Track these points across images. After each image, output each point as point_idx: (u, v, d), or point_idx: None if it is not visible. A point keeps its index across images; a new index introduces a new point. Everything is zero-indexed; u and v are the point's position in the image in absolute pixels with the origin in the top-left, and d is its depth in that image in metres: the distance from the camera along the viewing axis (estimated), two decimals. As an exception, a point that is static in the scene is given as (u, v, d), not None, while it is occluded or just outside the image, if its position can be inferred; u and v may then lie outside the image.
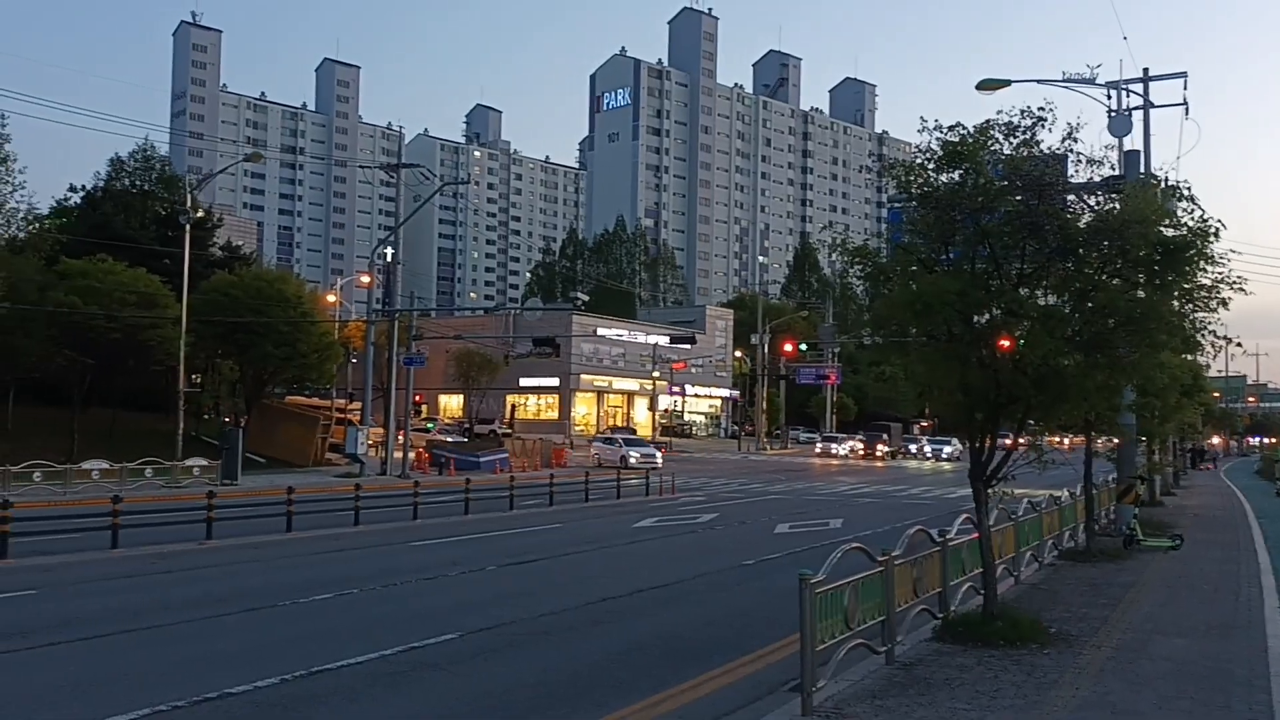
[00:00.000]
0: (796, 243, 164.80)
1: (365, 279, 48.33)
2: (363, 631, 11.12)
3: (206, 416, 49.55)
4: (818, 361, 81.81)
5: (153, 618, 11.70)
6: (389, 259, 45.29)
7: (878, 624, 9.03)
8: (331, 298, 60.28)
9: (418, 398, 68.11)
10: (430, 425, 63.24)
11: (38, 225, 46.89)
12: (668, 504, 30.07)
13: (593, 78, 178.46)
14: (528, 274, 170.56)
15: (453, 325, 72.61)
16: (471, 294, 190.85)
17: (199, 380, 46.76)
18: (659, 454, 50.13)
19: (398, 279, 45.15)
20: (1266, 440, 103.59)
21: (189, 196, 41.51)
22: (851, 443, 73.83)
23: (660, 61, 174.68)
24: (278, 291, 43.65)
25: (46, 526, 17.86)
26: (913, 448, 73.76)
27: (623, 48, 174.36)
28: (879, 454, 71.42)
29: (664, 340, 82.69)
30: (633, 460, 47.36)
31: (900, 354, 11.63)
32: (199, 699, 8.21)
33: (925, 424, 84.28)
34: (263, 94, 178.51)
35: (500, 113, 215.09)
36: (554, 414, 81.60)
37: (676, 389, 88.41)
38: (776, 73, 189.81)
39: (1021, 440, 11.35)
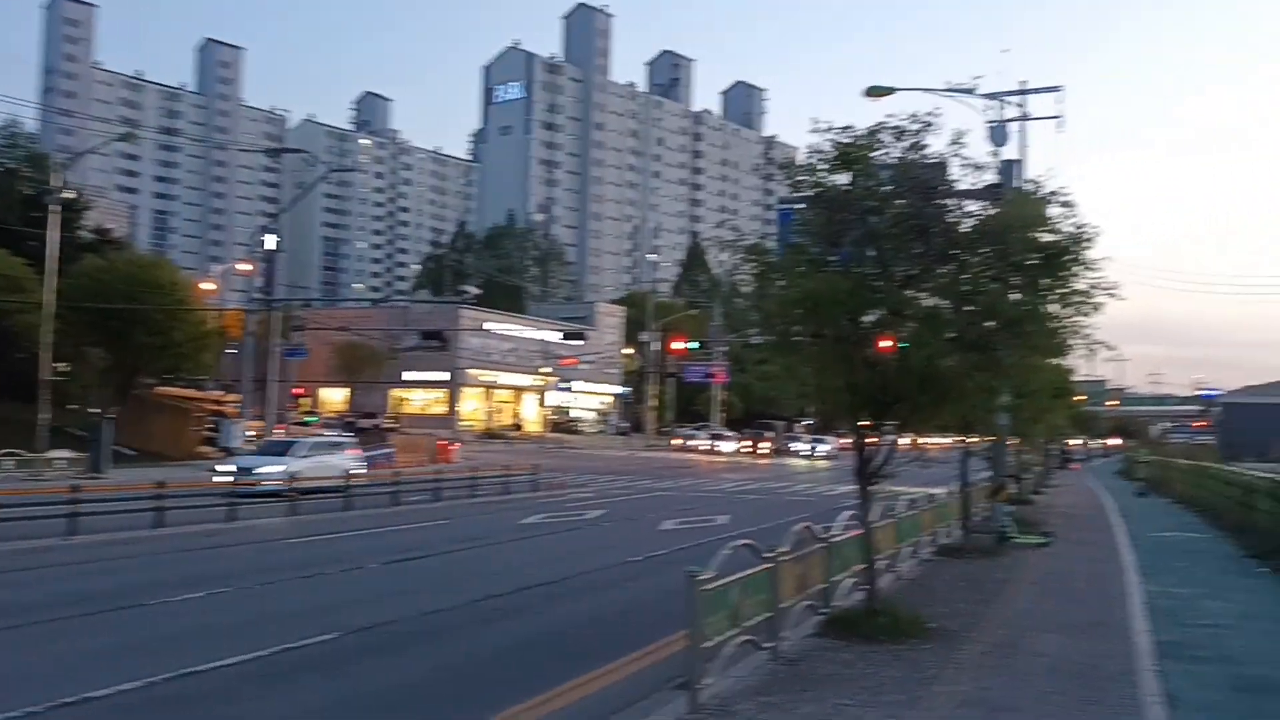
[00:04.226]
0: (687, 242, 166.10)
1: (245, 267, 46.82)
2: (237, 631, 10.70)
3: (74, 407, 47.28)
4: (706, 360, 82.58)
5: (9, 618, 11.03)
6: (270, 247, 43.88)
7: (764, 620, 9.07)
8: (209, 285, 58.21)
9: (299, 391, 66.42)
10: (311, 419, 61.64)
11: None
12: (555, 500, 29.90)
13: (486, 69, 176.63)
14: (416, 266, 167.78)
15: (337, 317, 70.80)
16: (357, 285, 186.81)
17: (66, 369, 44.57)
18: None
19: (279, 268, 43.83)
20: (1124, 441, 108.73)
21: (57, 176, 39.51)
22: (737, 441, 74.81)
23: (554, 56, 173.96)
24: (152, 278, 41.91)
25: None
26: (795, 446, 75.09)
27: (517, 41, 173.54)
28: (763, 451, 72.54)
29: (555, 336, 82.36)
30: None
31: (786, 353, 11.73)
32: (55, 704, 7.75)
33: (807, 423, 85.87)
34: (139, 72, 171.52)
35: (390, 101, 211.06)
36: (442, 409, 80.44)
37: (566, 385, 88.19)
38: (669, 73, 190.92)
39: (903, 439, 11.57)
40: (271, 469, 26.84)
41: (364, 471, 30.31)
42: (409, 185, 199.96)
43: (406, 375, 79.93)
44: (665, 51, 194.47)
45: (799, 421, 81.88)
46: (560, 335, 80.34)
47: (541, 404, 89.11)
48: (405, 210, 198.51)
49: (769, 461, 64.89)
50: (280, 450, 29.71)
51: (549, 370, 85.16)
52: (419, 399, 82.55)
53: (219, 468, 28.33)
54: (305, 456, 28.68)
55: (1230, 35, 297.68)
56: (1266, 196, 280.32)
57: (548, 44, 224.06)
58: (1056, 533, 21.74)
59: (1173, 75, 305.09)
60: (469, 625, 11.50)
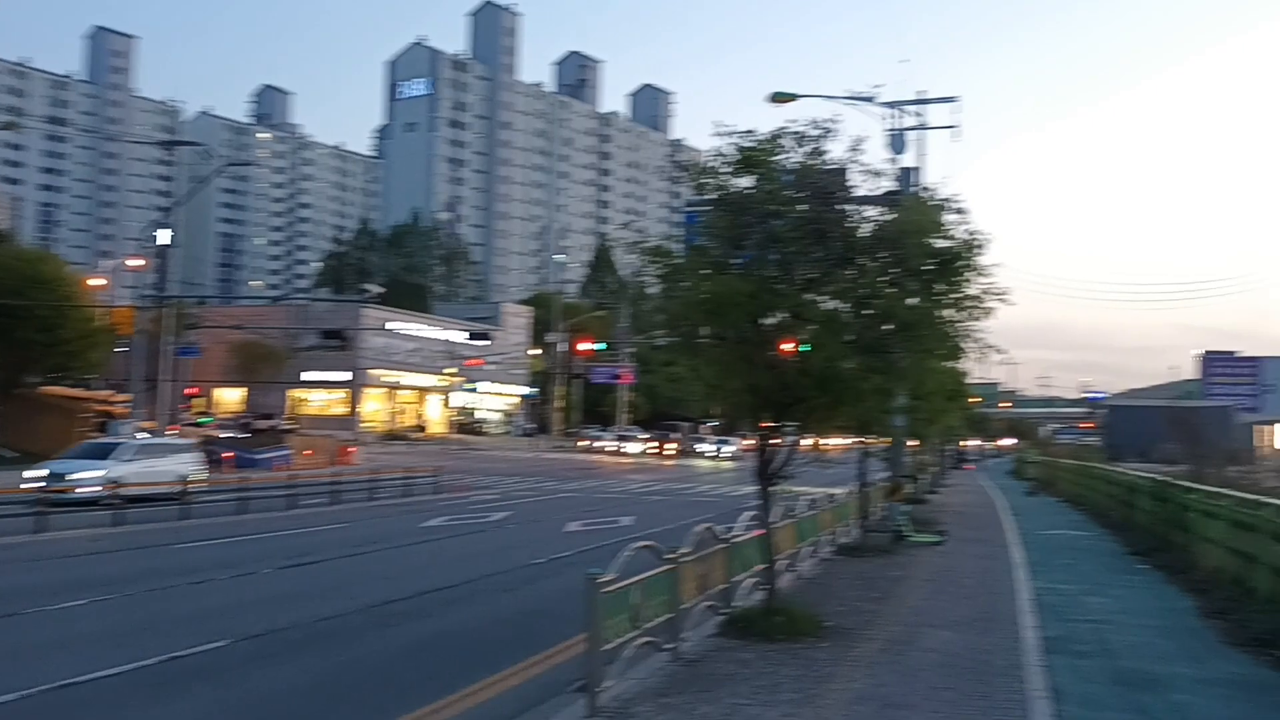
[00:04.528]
0: (594, 243, 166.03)
1: (136, 262, 45.22)
2: (122, 638, 10.32)
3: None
4: (613, 361, 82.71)
5: None
6: (163, 242, 42.44)
7: (665, 621, 9.09)
8: (99, 281, 56.08)
9: (192, 390, 64.41)
10: (206, 420, 59.86)
11: None
12: (458, 503, 29.58)
13: (391, 65, 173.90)
14: (317, 264, 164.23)
15: (233, 315, 68.94)
16: (254, 283, 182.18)
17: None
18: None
19: (173, 264, 42.45)
20: (1016, 442, 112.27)
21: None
22: (643, 442, 75.10)
23: (461, 54, 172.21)
24: (37, 272, 40.25)
25: None
26: (700, 447, 75.68)
27: (422, 36, 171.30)
28: (669, 452, 72.93)
29: (460, 336, 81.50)
30: None
31: (691, 354, 11.81)
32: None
33: (712, 424, 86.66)
34: (25, 59, 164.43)
35: (290, 94, 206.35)
36: (343, 410, 78.93)
37: (471, 386, 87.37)
38: (577, 73, 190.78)
39: (803, 440, 11.73)
40: (88, 474, 24.28)
41: (205, 477, 27.96)
42: (310, 181, 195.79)
43: (306, 375, 78.26)
44: (573, 52, 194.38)
45: (705, 422, 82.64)
46: (466, 335, 79.56)
47: (446, 405, 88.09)
48: (306, 206, 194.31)
49: (675, 462, 65.26)
50: (101, 453, 26.63)
51: (454, 371, 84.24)
52: (319, 400, 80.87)
53: (28, 473, 24.87)
54: (130, 460, 25.94)
55: (1122, 45, 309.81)
56: (1153, 205, 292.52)
57: (454, 41, 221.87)
58: (950, 531, 22.28)
59: (1065, 86, 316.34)
60: (367, 630, 11.28)
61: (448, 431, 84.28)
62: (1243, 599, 12.20)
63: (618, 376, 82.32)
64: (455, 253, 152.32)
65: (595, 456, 68.56)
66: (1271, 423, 67.33)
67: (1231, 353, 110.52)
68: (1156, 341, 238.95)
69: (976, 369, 34.50)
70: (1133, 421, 75.10)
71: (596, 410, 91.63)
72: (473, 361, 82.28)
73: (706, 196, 11.31)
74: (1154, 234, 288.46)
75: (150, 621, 11.43)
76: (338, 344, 74.16)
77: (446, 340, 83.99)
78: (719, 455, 70.63)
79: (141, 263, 43.02)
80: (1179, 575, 15.49)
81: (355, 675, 9.26)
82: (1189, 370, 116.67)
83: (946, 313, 11.52)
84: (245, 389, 76.45)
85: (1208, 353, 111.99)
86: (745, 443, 58.69)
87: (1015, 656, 9.87)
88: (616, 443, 75.11)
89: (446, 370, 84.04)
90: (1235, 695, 8.70)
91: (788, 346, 10.73)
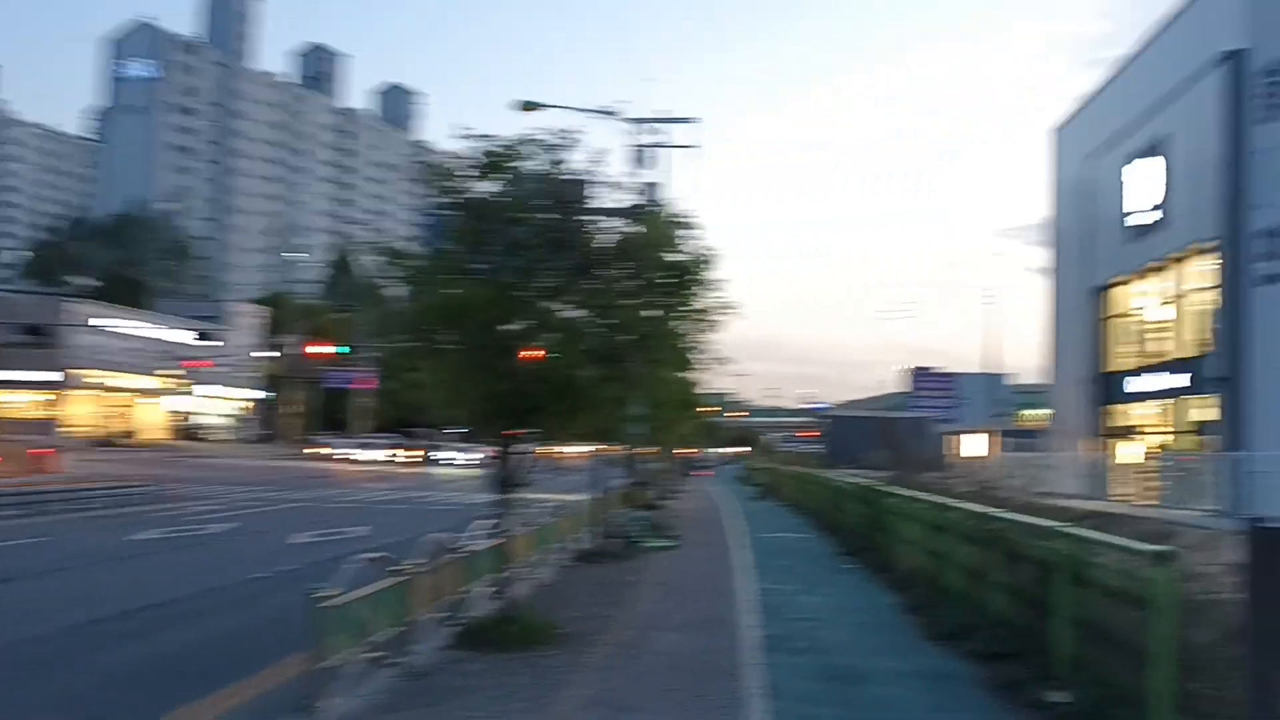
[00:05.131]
0: (336, 242, 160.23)
1: None
2: None
3: None
4: (352, 365, 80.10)
5: None
6: None
7: (395, 635, 8.84)
8: None
9: None
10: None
11: None
12: (176, 514, 27.64)
13: (115, 44, 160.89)
14: (27, 253, 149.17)
15: (-85, 306, 61.57)
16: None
17: None
18: None
19: None
20: (745, 450, 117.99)
21: None
22: (382, 449, 73.19)
23: (192, 36, 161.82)
24: None
25: None
26: (441, 454, 74.68)
27: (148, 15, 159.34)
28: (409, 460, 71.47)
29: (184, 336, 76.43)
30: None
31: (432, 359, 11.60)
32: None
33: (454, 431, 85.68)
34: None
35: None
36: (49, 413, 71.98)
37: (194, 389, 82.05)
38: (319, 66, 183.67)
39: (541, 448, 11.79)
40: None
41: None
42: (16, 163, 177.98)
43: (3, 375, 70.91)
44: (315, 44, 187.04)
45: (446, 430, 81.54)
46: (190, 335, 74.69)
47: (166, 409, 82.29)
48: (12, 190, 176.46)
49: (414, 470, 63.98)
50: None
51: (176, 373, 78.84)
52: (21, 401, 73.41)
53: None
54: None
55: (846, 57, 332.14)
56: (871, 224, 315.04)
57: (182, 21, 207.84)
58: (682, 536, 23.04)
59: (804, 98, 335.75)
60: (69, 654, 10.30)
61: (168, 437, 78.78)
62: (937, 596, 13.29)
63: (356, 381, 79.81)
64: (181, 247, 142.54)
65: (330, 464, 66.11)
66: (963, 432, 74.19)
67: (934, 368, 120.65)
68: (872, 356, 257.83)
69: (709, 379, 35.94)
70: (847, 431, 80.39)
71: (334, 416, 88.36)
72: (197, 363, 77.34)
73: (449, 200, 11.16)
74: (870, 250, 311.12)
75: None
76: (39, 341, 67.69)
77: (168, 340, 78.52)
78: (460, 463, 69.95)
79: None
80: (882, 574, 16.70)
81: (55, 703, 8.43)
82: (898, 384, 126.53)
83: (680, 325, 11.94)
84: (-74, 389, 68.44)
85: (915, 368, 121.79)
86: (487, 450, 58.39)
87: (737, 656, 10.31)
88: (353, 450, 72.78)
89: (167, 372, 78.55)
90: (929, 686, 9.45)
91: (528, 354, 10.75)
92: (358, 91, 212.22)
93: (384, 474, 57.43)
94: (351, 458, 70.79)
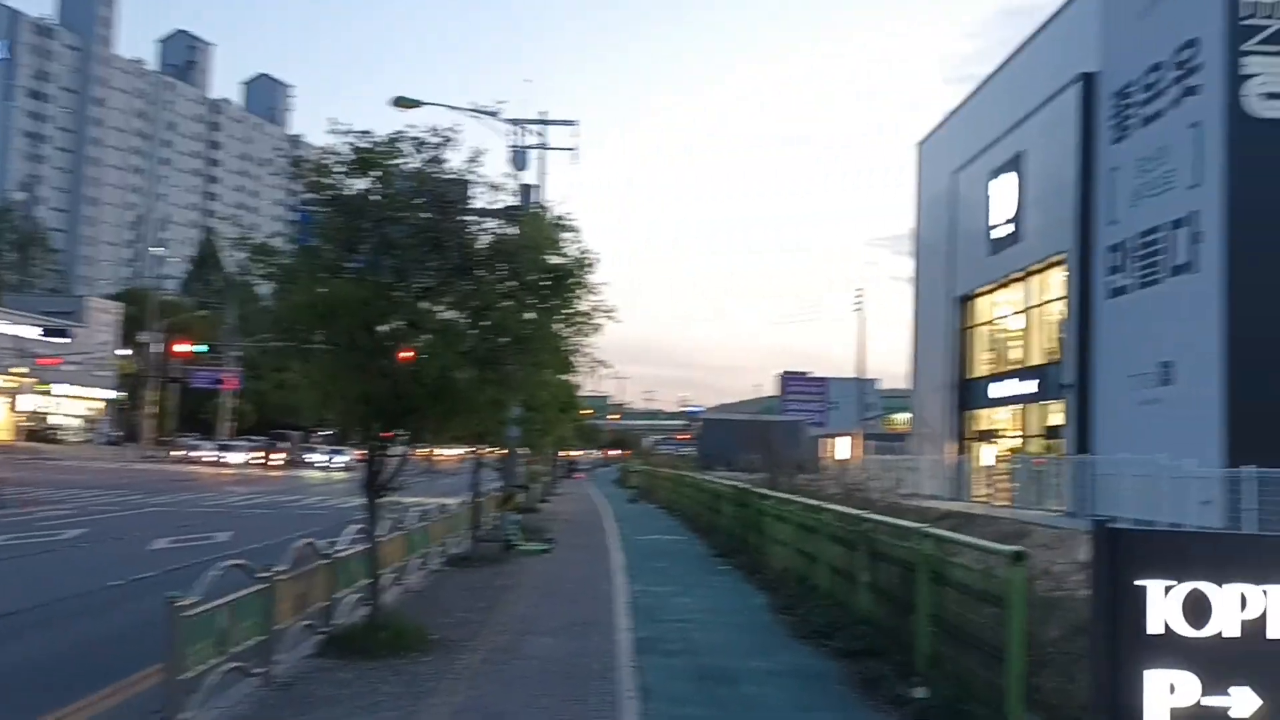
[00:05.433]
0: (200, 237, 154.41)
1: None
2: None
3: None
4: (217, 365, 77.35)
5: None
6: None
7: (258, 643, 8.58)
8: None
9: None
10: None
11: None
12: (24, 519, 26.21)
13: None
14: None
15: None
16: None
17: None
18: None
19: None
20: (623, 452, 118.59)
21: None
22: (248, 452, 71.01)
23: (46, 18, 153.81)
24: None
25: None
26: (311, 457, 72.89)
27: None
28: (277, 463, 69.57)
29: (34, 332, 72.59)
30: None
31: (302, 360, 11.31)
32: None
33: (326, 433, 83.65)
34: None
35: None
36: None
37: (45, 388, 77.99)
38: (185, 54, 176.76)
39: (414, 451, 11.62)
40: None
41: None
42: None
43: None
44: (181, 31, 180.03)
45: (317, 432, 79.58)
46: (41, 331, 70.98)
47: (13, 409, 78.01)
48: None
49: (283, 473, 62.22)
50: None
51: (24, 371, 74.81)
52: None
53: None
54: None
55: (723, 61, 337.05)
56: (750, 231, 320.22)
57: (44, 4, 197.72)
58: (559, 539, 23.00)
59: (678, 107, 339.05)
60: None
61: (14, 439, 74.69)
62: (806, 595, 13.61)
63: (221, 381, 77.13)
64: (31, 238, 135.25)
65: (193, 467, 63.72)
66: (834, 436, 76.15)
67: (806, 373, 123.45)
68: (745, 360, 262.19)
69: (587, 382, 35.99)
70: (722, 434, 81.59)
71: (197, 417, 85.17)
72: (48, 360, 73.55)
73: (321, 196, 10.91)
74: (740, 257, 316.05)
75: None
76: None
77: (16, 336, 74.45)
78: (331, 466, 68.34)
79: None
80: (755, 575, 17.00)
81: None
82: (771, 388, 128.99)
83: (559, 327, 11.92)
84: None
85: (786, 373, 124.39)
86: (359, 453, 57.18)
87: (611, 659, 10.34)
88: (217, 452, 70.37)
89: (14, 370, 74.50)
90: (796, 684, 9.66)
91: (405, 355, 10.58)
92: (228, 83, 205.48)
93: (251, 477, 55.67)
94: (216, 460, 68.42)
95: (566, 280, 11.26)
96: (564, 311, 11.60)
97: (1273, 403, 24.85)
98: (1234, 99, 25.86)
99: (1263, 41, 25.85)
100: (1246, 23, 25.93)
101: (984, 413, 42.67)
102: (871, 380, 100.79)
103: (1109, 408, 31.08)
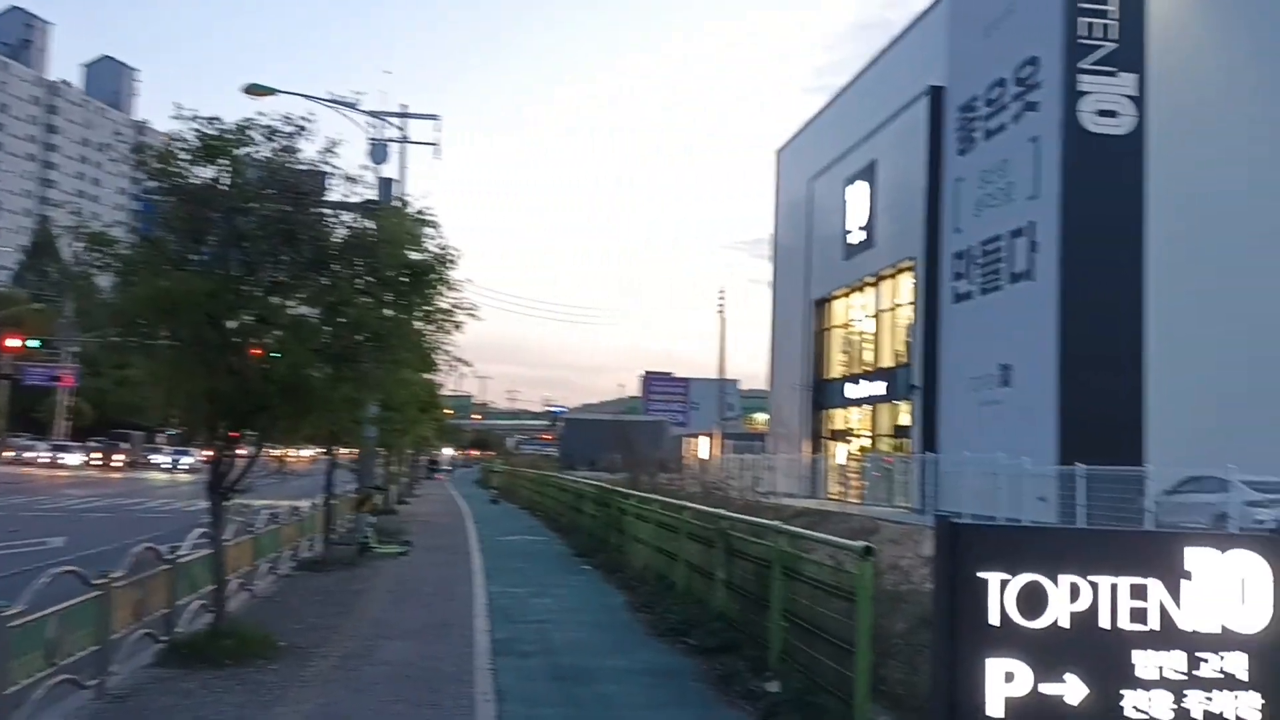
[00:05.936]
0: (35, 225, 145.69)
1: None
2: None
3: None
4: (52, 361, 73.09)
5: None
6: None
7: (91, 654, 8.13)
8: None
9: None
10: None
11: None
12: None
13: None
14: None
15: None
16: None
17: None
18: None
19: None
20: (485, 452, 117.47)
21: None
22: (87, 453, 67.51)
23: None
24: None
25: None
26: (155, 458, 69.82)
27: None
28: (117, 464, 66.38)
29: None
30: None
31: (145, 356, 10.80)
32: None
33: (171, 433, 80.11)
34: None
35: None
36: None
37: None
38: (20, 32, 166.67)
39: (264, 451, 11.22)
40: None
41: None
42: None
43: None
44: (15, 8, 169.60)
45: (162, 431, 76.16)
46: None
47: None
48: None
49: (124, 475, 59.36)
50: None
51: None
52: None
53: None
54: None
55: (608, 79, 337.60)
56: (615, 232, 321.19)
57: None
58: (416, 541, 22.59)
59: (542, 103, 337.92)
60: None
61: None
62: (665, 593, 13.73)
63: (56, 378, 72.89)
64: None
65: (26, 469, 60.14)
66: (696, 435, 77.19)
67: (668, 374, 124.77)
68: (609, 360, 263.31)
69: (448, 381, 35.49)
70: (584, 433, 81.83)
71: (29, 416, 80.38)
72: None
73: (164, 184, 10.42)
74: (608, 258, 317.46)
75: None
76: None
77: None
78: (177, 467, 65.56)
79: None
80: (616, 574, 17.06)
81: None
82: (635, 388, 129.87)
83: (419, 325, 11.70)
84: None
85: (648, 373, 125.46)
86: (206, 453, 55.02)
87: (466, 662, 10.20)
88: (52, 453, 66.68)
89: None
90: (652, 682, 9.71)
91: (253, 351, 10.21)
92: (69, 64, 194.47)
93: (90, 479, 52.86)
94: (50, 461, 64.80)
95: (427, 276, 11.06)
96: (424, 308, 11.39)
97: (1102, 405, 26.38)
98: (1071, 115, 27.35)
99: (1098, 62, 27.41)
100: (1083, 42, 27.44)
101: (839, 412, 43.94)
102: (732, 381, 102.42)
103: (953, 408, 32.44)
